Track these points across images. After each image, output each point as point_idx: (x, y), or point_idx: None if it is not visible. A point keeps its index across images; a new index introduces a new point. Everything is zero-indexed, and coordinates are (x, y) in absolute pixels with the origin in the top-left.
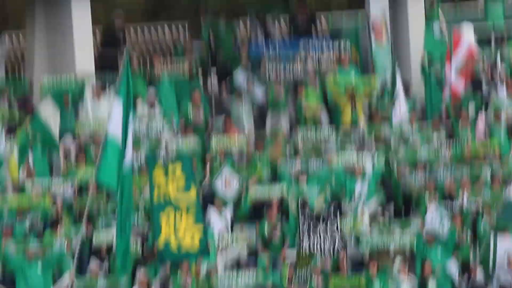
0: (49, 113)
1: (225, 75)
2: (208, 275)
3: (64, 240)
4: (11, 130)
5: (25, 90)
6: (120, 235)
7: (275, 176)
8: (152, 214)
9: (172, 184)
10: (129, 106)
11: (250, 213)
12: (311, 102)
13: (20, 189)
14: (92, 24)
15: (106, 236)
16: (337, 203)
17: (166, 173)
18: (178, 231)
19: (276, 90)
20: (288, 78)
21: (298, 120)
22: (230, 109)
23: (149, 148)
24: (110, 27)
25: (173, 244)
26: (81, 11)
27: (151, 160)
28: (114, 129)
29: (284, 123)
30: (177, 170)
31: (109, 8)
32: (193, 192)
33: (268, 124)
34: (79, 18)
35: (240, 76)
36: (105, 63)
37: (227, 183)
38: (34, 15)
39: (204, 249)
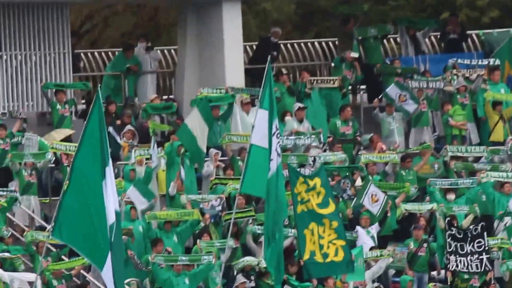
0: (197, 126)
1: (375, 90)
2: None
3: (212, 254)
4: (161, 143)
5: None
6: (268, 245)
7: (423, 193)
8: (296, 228)
9: (313, 199)
10: (273, 116)
11: (397, 230)
12: (458, 118)
13: (169, 202)
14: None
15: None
16: (486, 221)
17: (308, 188)
18: (322, 246)
19: (421, 106)
20: (436, 94)
21: (444, 136)
22: (380, 124)
23: (297, 162)
24: (265, 41)
25: (318, 259)
26: (232, 27)
27: (294, 174)
28: (259, 139)
29: (427, 139)
30: (317, 185)
31: (260, 25)
32: (332, 207)
33: (411, 140)
34: (230, 34)
35: (392, 91)
36: (255, 78)
37: (373, 199)
38: (186, 31)
39: (349, 265)
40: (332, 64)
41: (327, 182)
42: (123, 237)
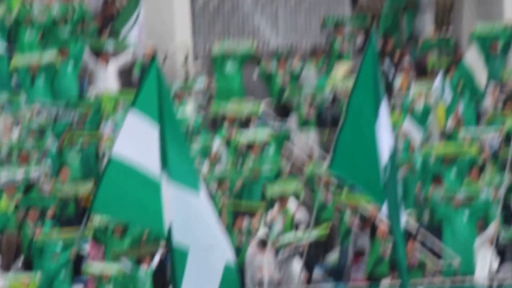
0: (475, 62)
1: None
2: None
3: (490, 188)
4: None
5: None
6: None
7: None
8: None
9: None
10: None
11: None
12: None
13: (447, 136)
14: None
15: None
16: None
17: None
18: None
19: None
20: None
21: None
22: None
23: None
24: None
25: None
26: None
27: None
28: None
29: None
30: None
31: None
32: None
33: None
34: None
35: None
36: None
37: None
38: None
39: None
40: None
41: None
42: (403, 170)
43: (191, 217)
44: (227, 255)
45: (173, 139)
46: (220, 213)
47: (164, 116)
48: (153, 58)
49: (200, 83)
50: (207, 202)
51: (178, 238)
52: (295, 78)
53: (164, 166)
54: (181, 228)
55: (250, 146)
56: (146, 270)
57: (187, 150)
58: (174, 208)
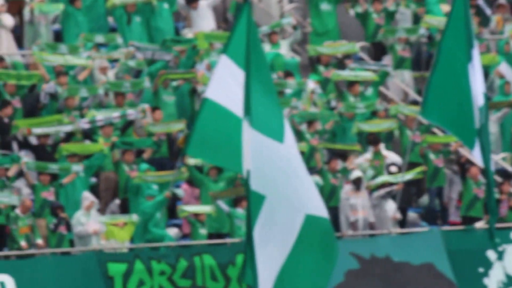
0: None
1: None
2: None
3: None
4: None
5: None
6: None
7: None
8: None
9: None
10: None
11: None
12: None
13: None
14: None
15: None
16: None
17: None
18: None
19: None
20: None
21: None
22: None
23: None
24: None
25: None
26: None
27: None
28: None
29: None
30: None
31: None
32: None
33: None
34: None
35: None
36: None
37: None
38: None
39: None
40: None
41: None
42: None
43: (271, 166)
44: (311, 205)
45: (259, 87)
46: (311, 154)
47: (251, 64)
48: (245, 1)
49: (295, 22)
50: (291, 151)
51: (256, 186)
52: (390, 17)
53: (247, 113)
54: (259, 177)
55: (349, 85)
56: (242, 213)
57: (274, 98)
58: (253, 156)
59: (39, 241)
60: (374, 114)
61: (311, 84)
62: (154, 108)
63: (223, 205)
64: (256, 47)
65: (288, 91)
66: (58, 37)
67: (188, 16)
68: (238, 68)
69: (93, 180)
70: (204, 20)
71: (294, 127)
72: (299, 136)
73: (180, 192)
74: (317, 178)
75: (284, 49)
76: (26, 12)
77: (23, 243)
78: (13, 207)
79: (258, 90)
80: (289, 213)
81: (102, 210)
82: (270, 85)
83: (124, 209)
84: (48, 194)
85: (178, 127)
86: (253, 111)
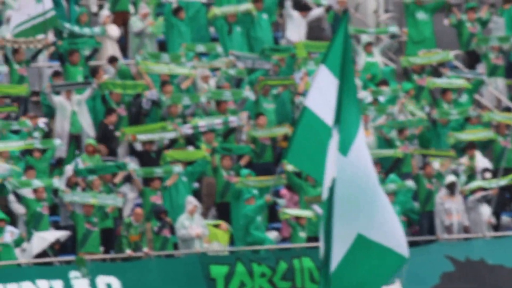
0: None
1: None
2: None
3: None
4: None
5: None
6: None
7: None
8: None
9: None
10: None
11: None
12: None
13: None
14: None
15: None
16: None
17: None
18: None
19: None
20: None
21: None
22: None
23: None
24: None
25: None
26: None
27: None
28: None
29: None
30: None
31: None
32: None
33: None
34: None
35: None
36: None
37: None
38: None
39: None
40: None
41: None
42: None
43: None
44: (367, 226)
45: (348, 97)
46: (398, 160)
47: (344, 74)
48: (344, 12)
49: (392, 31)
50: (351, 167)
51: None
52: (484, 26)
53: (336, 122)
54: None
55: (442, 93)
56: None
57: (358, 110)
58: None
59: (146, 249)
60: (467, 121)
61: (403, 92)
62: (257, 114)
63: (318, 209)
64: (349, 57)
65: (382, 98)
66: (162, 47)
67: (287, 26)
68: (334, 78)
69: (196, 185)
70: (301, 30)
71: (383, 137)
72: (389, 143)
73: (281, 202)
74: (412, 183)
75: (377, 57)
76: (133, 23)
77: (129, 251)
78: (120, 212)
79: (348, 101)
80: (344, 227)
81: (204, 214)
82: (356, 96)
83: (222, 213)
84: (156, 198)
85: (281, 131)
86: (341, 121)
